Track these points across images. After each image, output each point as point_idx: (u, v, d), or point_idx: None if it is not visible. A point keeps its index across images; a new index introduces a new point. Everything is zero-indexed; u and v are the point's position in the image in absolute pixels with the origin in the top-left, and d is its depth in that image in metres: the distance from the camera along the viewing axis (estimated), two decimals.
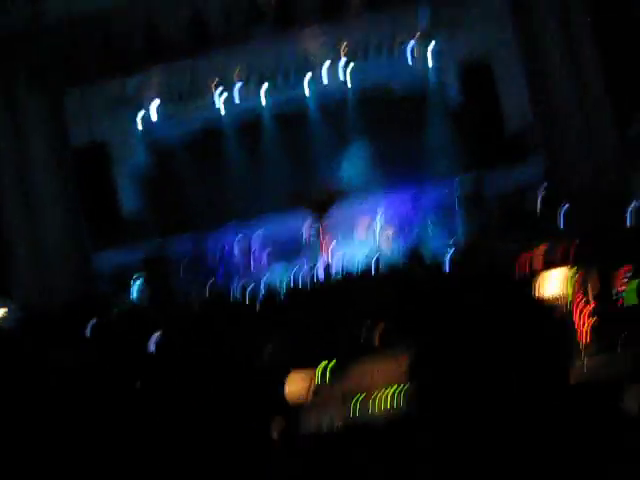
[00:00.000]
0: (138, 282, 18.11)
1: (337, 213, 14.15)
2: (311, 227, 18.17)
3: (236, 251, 18.94)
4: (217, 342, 3.62)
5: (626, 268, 5.31)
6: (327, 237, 13.48)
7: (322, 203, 12.23)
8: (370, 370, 4.42)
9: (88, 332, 9.56)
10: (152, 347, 6.64)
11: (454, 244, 15.89)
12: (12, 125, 17.77)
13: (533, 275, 6.07)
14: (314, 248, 18.21)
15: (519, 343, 1.96)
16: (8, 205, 17.32)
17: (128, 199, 19.88)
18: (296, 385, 4.25)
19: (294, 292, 10.11)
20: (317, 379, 4.50)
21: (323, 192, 12.89)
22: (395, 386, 4.16)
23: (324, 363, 4.63)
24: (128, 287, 17.98)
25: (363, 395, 4.28)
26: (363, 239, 18.34)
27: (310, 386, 4.40)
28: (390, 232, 18.32)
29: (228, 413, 2.80)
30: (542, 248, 7.96)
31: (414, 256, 10.83)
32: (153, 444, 2.85)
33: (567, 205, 14.53)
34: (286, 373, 4.10)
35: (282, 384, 3.14)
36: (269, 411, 2.92)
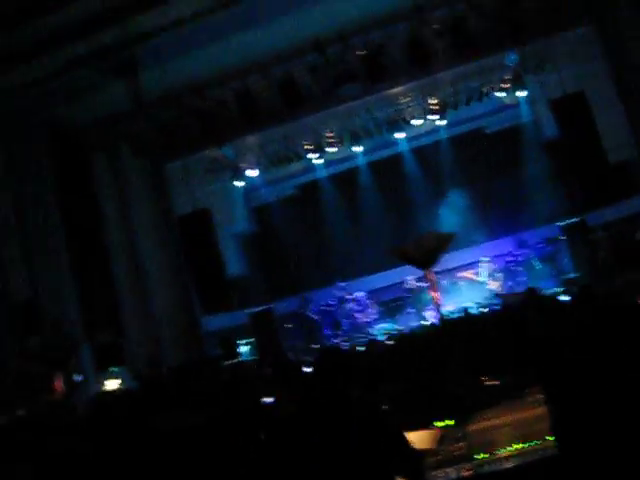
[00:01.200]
0: (247, 344, 18.13)
1: (443, 261, 13.88)
2: (417, 278, 18.00)
3: (342, 309, 18.85)
4: (334, 398, 3.42)
5: None
6: (435, 286, 13.17)
7: (427, 252, 11.89)
8: (493, 426, 4.19)
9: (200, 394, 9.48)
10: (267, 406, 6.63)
11: (566, 284, 15.37)
12: (118, 198, 18.44)
13: None
14: (420, 299, 18.11)
15: None
16: (119, 274, 17.86)
17: (233, 262, 20.06)
18: (419, 443, 4.06)
19: (405, 342, 9.85)
20: (438, 439, 4.31)
21: (427, 239, 12.57)
22: (523, 444, 3.92)
23: (442, 423, 4.43)
24: (237, 349, 17.98)
25: (487, 454, 4.06)
26: (471, 285, 18.18)
27: (433, 445, 4.21)
28: (498, 276, 18.04)
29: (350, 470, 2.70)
30: None
31: (528, 297, 10.36)
32: None
33: None
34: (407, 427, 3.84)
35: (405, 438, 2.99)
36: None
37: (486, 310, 13.83)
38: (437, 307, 12.46)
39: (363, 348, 11.08)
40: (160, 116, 16.27)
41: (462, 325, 9.91)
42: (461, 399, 4.77)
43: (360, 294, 18.93)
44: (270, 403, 6.65)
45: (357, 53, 15.51)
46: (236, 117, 16.48)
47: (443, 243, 12.38)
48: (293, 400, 5.94)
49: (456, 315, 14.39)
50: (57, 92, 14.89)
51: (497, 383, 4.94)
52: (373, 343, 10.92)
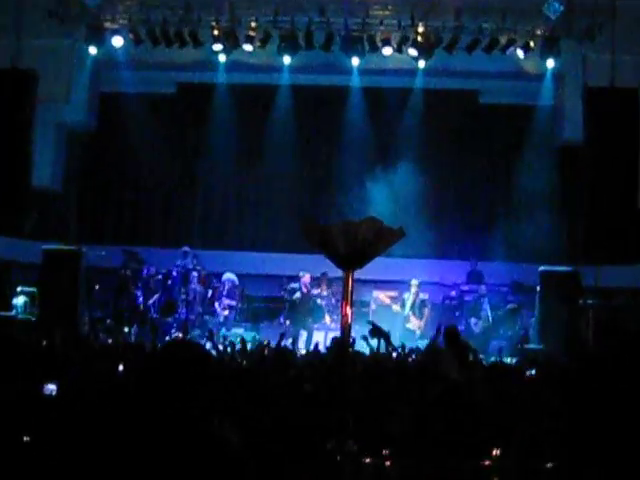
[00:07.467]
0: (25, 294, 17.49)
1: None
2: (317, 280, 17.86)
3: (187, 288, 18.33)
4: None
5: None
6: (349, 298, 12.42)
7: (359, 245, 10.93)
8: None
9: None
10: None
11: (525, 356, 15.09)
12: None
13: None
14: (306, 309, 17.82)
15: None
16: None
17: (44, 167, 19.58)
18: None
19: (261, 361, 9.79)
20: None
21: (365, 227, 11.68)
22: None
23: None
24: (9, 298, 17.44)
25: None
26: (384, 311, 17.84)
27: None
28: (425, 312, 17.86)
29: None
30: None
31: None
32: None
33: None
34: None
35: None
36: None
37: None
38: (345, 328, 11.64)
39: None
40: None
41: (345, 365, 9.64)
42: None
43: (231, 276, 18.46)
44: (52, 393, 6.88)
45: None
46: None
47: (386, 240, 11.28)
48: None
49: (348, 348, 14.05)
50: None
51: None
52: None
